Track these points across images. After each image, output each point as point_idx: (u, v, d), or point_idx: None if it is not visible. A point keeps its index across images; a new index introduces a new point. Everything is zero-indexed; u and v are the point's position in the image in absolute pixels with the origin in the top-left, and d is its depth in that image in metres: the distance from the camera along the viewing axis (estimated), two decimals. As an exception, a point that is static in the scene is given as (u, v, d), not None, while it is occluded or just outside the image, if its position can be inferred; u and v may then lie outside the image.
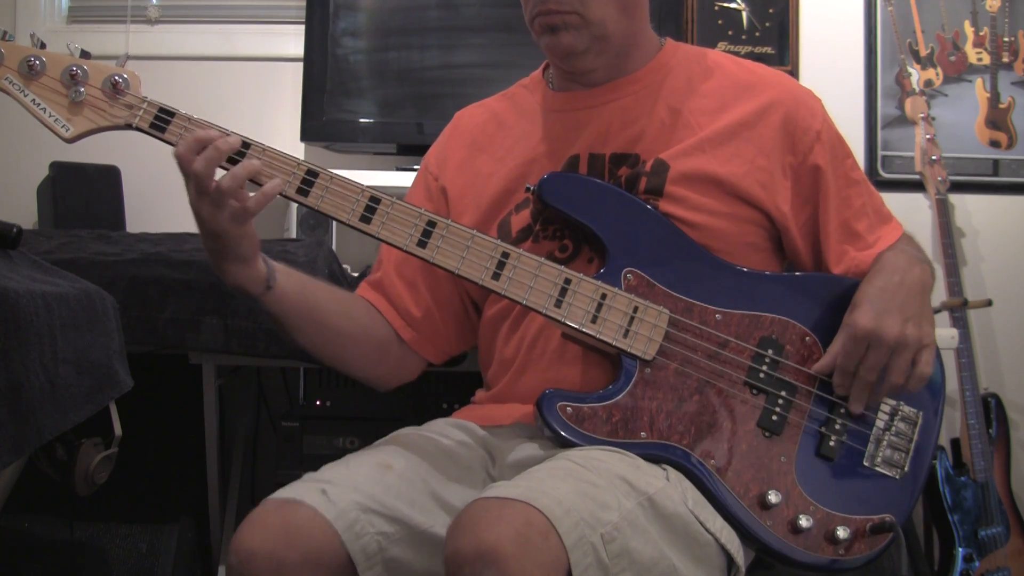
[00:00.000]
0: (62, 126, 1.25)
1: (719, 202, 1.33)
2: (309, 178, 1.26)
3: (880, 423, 1.31)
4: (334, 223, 2.18)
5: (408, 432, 1.39)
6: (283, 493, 1.19)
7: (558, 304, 1.26)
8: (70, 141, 1.26)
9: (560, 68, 1.42)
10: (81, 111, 1.26)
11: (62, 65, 1.26)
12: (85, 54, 1.28)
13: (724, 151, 1.34)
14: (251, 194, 1.23)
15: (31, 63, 1.25)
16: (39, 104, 1.25)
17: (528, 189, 1.35)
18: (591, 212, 1.31)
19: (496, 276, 1.26)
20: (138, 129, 1.26)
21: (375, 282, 1.48)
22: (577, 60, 1.37)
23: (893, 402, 1.32)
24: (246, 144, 1.24)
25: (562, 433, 1.22)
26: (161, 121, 1.25)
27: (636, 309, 1.27)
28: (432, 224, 1.26)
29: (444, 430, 1.39)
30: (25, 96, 1.25)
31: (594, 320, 1.26)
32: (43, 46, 1.27)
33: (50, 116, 1.25)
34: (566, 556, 1.03)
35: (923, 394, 1.34)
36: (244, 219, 1.23)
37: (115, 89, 1.26)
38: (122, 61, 1.29)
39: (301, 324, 1.36)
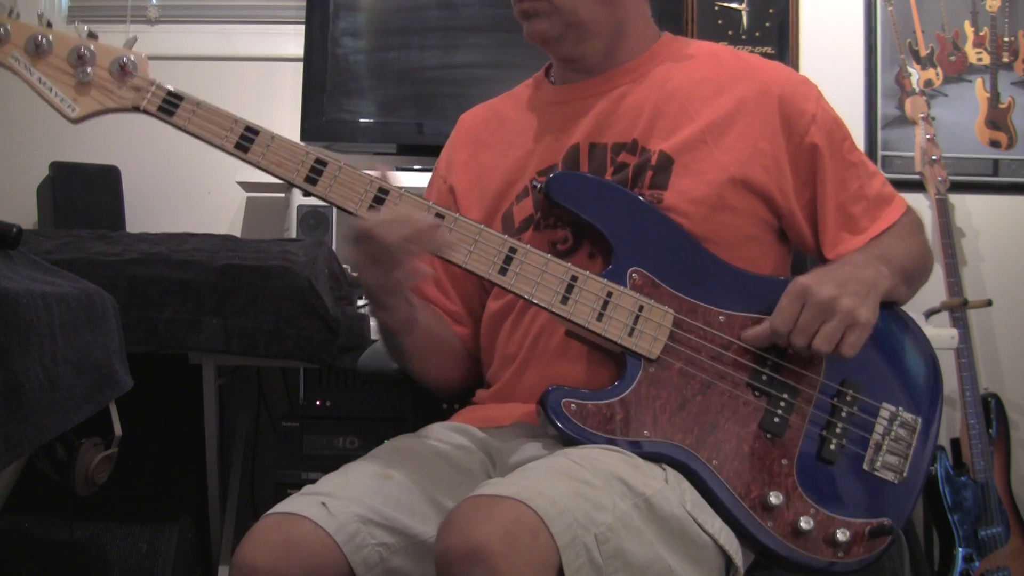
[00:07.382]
0: (68, 106, 1.23)
1: (723, 194, 1.33)
2: (318, 167, 1.25)
3: (879, 428, 1.31)
4: (334, 224, 2.19)
5: (406, 439, 1.38)
6: (283, 507, 1.18)
7: (564, 301, 1.26)
8: (76, 122, 1.23)
9: (555, 59, 1.45)
10: (88, 92, 1.23)
11: (69, 45, 1.24)
12: (92, 35, 1.25)
13: (726, 140, 1.34)
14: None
15: (38, 42, 1.23)
16: (45, 83, 1.23)
17: (535, 187, 1.35)
18: (598, 211, 1.31)
19: (503, 271, 1.26)
20: (146, 112, 1.24)
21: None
22: (554, 47, 1.39)
23: (892, 408, 1.32)
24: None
25: (565, 430, 1.21)
26: (169, 105, 1.23)
27: (642, 308, 1.27)
28: (440, 217, 1.26)
29: (442, 435, 1.38)
30: (31, 75, 1.23)
31: (600, 318, 1.26)
32: (50, 25, 1.25)
33: (56, 96, 1.23)
34: (557, 555, 1.02)
35: (922, 400, 1.34)
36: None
37: (123, 71, 1.24)
38: (130, 43, 1.26)
39: (424, 344, 1.40)
